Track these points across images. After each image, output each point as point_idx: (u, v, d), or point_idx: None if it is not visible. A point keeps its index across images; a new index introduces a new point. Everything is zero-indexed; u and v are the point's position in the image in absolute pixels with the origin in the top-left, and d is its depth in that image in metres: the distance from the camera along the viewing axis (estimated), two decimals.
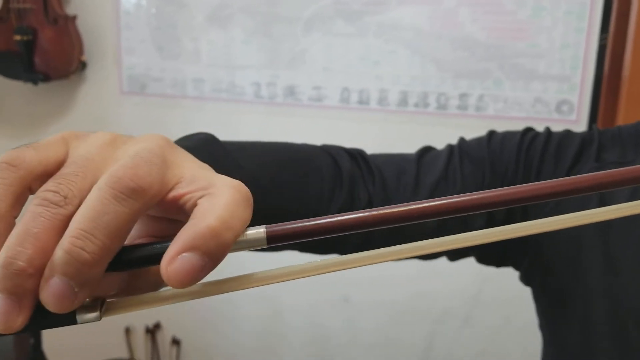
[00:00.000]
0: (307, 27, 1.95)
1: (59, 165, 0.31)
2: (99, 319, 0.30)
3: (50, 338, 1.34)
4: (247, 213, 0.30)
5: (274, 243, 0.30)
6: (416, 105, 1.92)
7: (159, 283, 0.33)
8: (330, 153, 0.70)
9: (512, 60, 1.82)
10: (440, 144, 0.77)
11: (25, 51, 2.01)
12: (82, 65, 2.11)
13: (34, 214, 0.28)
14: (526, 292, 2.02)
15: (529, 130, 0.73)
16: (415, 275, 2.05)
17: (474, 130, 0.79)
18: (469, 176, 0.70)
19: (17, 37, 1.99)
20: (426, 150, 0.75)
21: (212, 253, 0.28)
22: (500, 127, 0.78)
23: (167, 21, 2.06)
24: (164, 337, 2.34)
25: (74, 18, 2.06)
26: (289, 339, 2.26)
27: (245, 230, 0.30)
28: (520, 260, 0.74)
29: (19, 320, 0.27)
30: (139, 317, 2.31)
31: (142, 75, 2.11)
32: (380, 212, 0.30)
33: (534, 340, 2.13)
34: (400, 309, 2.13)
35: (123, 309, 0.31)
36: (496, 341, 2.08)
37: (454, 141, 0.76)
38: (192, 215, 0.29)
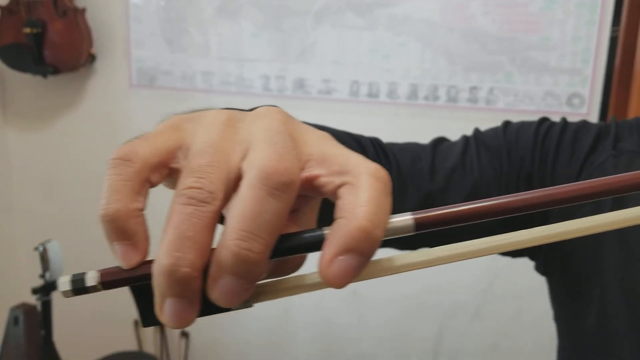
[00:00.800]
0: (316, 19, 1.94)
1: (173, 154, 0.31)
2: (251, 305, 0.30)
3: (61, 331, 1.34)
4: (389, 203, 0.29)
5: (421, 230, 0.30)
6: (426, 98, 1.91)
7: (302, 264, 0.34)
8: (353, 137, 0.70)
9: (523, 53, 1.80)
10: (450, 137, 0.77)
11: (34, 44, 2.01)
12: (92, 58, 2.12)
13: (183, 215, 0.27)
14: (537, 285, 2.01)
15: (544, 120, 0.73)
16: (425, 270, 2.04)
17: (484, 124, 0.79)
18: (487, 165, 0.70)
19: (27, 30, 2.00)
20: (441, 140, 0.75)
21: (366, 252, 0.28)
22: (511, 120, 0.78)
23: (177, 14, 2.06)
24: (173, 330, 2.34)
25: (83, 11, 2.06)
26: (297, 334, 2.26)
27: (391, 217, 0.29)
28: (537, 251, 0.73)
29: (193, 317, 0.28)
30: None
31: (152, 68, 2.11)
32: (531, 195, 0.30)
33: (545, 333, 2.12)
34: (410, 303, 2.12)
35: (273, 294, 0.31)
36: (507, 335, 2.07)
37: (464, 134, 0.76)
38: (339, 212, 0.28)
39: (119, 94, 2.17)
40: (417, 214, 0.29)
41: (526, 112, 1.83)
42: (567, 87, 1.80)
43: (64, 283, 0.29)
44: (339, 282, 0.28)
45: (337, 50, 1.95)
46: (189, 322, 0.28)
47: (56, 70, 2.05)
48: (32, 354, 1.34)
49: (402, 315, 2.15)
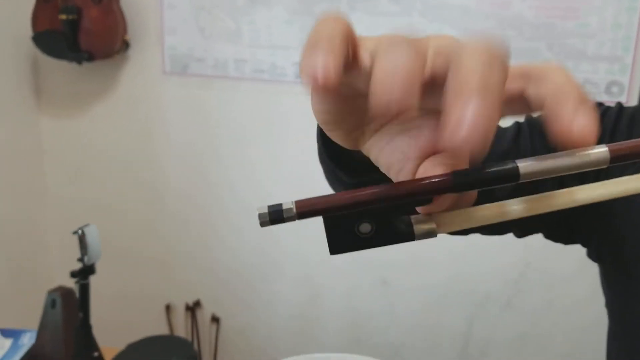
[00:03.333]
0: (350, 6, 1.93)
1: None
2: (435, 233, 0.31)
3: (93, 315, 1.36)
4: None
5: (615, 162, 0.30)
6: None
7: (475, 197, 0.35)
8: None
9: (562, 40, 1.78)
10: None
11: (70, 30, 2.02)
12: (126, 45, 2.13)
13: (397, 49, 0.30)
14: (569, 275, 1.99)
15: (599, 104, 0.72)
16: (455, 258, 2.04)
17: None
18: (541, 149, 0.69)
19: (63, 17, 2.01)
20: None
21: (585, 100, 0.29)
22: None
23: (210, 1, 2.06)
24: (204, 315, 2.36)
25: None
26: (326, 321, 2.26)
27: (589, 149, 0.30)
28: (590, 237, 0.72)
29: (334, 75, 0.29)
30: (179, 294, 2.34)
31: (185, 55, 2.12)
32: None
33: (576, 323, 2.10)
34: (440, 292, 2.12)
35: (455, 224, 0.32)
36: (537, 325, 2.06)
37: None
38: (545, 84, 0.30)
39: (152, 81, 2.19)
40: (612, 145, 0.30)
41: None
42: (606, 74, 1.77)
43: (262, 214, 0.31)
44: (588, 132, 0.29)
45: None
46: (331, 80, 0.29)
47: (91, 57, 2.07)
48: (69, 336, 1.35)
49: (432, 305, 2.15)
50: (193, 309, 2.33)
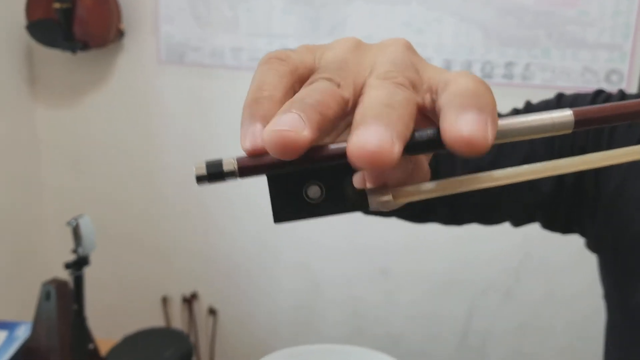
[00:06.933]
0: None
1: (312, 71, 0.33)
2: (392, 204, 0.30)
3: (89, 307, 1.35)
4: (491, 95, 0.29)
5: (580, 127, 0.29)
6: None
7: (429, 174, 0.35)
8: None
9: (561, 28, 1.76)
10: None
11: (64, 19, 2.00)
12: (120, 34, 2.10)
13: (314, 88, 0.30)
14: (569, 265, 1.98)
15: (601, 92, 0.71)
16: (456, 248, 2.03)
17: (520, 101, 0.77)
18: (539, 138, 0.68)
19: (57, 5, 1.99)
20: None
21: (484, 108, 0.27)
22: (547, 97, 0.76)
23: None
24: (201, 307, 2.35)
25: None
26: (326, 311, 2.26)
27: (553, 112, 0.29)
28: (589, 226, 0.71)
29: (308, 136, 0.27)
30: (176, 286, 2.33)
31: (181, 44, 2.09)
32: None
33: (577, 313, 2.10)
34: (440, 281, 2.11)
35: (411, 195, 0.31)
36: (538, 315, 2.05)
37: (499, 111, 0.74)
38: (443, 95, 0.29)
39: (148, 70, 2.16)
40: (576, 109, 0.29)
41: (563, 88, 1.78)
42: (605, 63, 1.75)
43: (199, 168, 0.29)
44: (475, 138, 0.26)
45: (369, 25, 1.91)
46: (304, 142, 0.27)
47: (85, 46, 2.05)
48: (63, 328, 1.34)
49: (432, 294, 2.14)
50: (190, 301, 2.32)
